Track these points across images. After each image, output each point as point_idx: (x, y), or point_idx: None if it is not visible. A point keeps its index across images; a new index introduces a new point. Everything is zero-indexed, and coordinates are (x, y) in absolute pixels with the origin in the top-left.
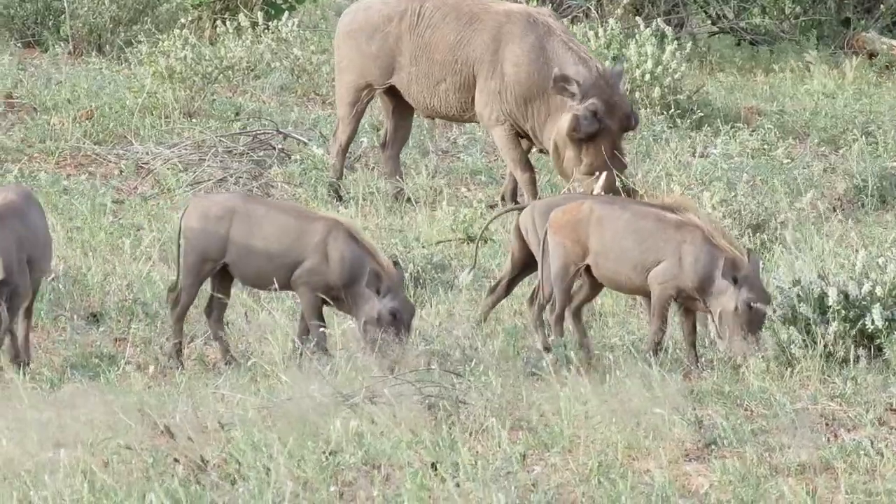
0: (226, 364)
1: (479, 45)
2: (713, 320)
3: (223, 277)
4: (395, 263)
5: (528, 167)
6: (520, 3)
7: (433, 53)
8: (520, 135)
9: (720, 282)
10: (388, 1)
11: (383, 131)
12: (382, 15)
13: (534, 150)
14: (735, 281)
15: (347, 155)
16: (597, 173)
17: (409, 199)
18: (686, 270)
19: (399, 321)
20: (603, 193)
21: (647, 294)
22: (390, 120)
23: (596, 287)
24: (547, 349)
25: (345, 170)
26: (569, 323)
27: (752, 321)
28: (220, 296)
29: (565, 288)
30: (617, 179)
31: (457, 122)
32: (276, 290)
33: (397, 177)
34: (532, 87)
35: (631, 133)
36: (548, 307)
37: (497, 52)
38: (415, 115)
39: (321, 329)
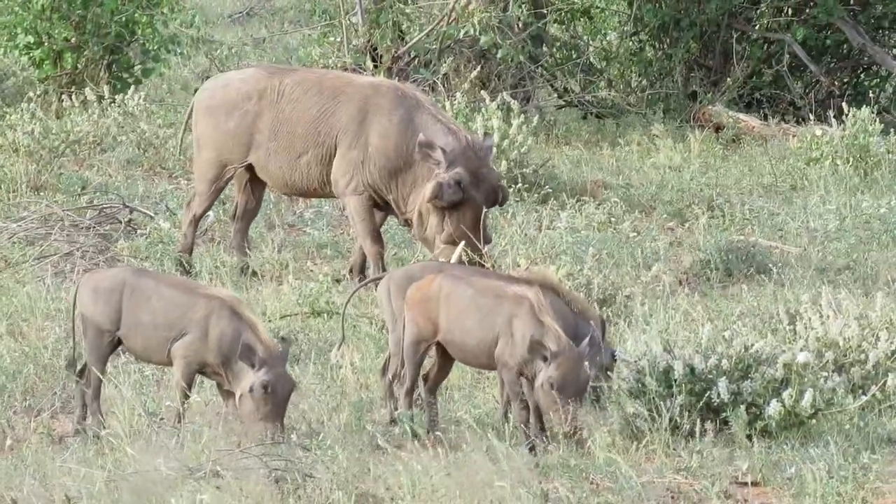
0: (74, 436)
1: (343, 116)
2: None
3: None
4: (283, 339)
5: (379, 240)
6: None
7: (295, 127)
8: (376, 206)
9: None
10: (246, 78)
11: (234, 204)
12: (241, 92)
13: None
14: (545, 359)
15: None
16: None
17: (255, 273)
18: (517, 345)
19: (272, 395)
20: (458, 261)
21: (495, 369)
22: (242, 194)
23: (447, 364)
24: (394, 422)
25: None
26: (422, 397)
27: (564, 395)
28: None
29: (416, 363)
30: (476, 252)
31: (316, 198)
32: (162, 364)
33: (244, 250)
34: (399, 159)
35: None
36: (397, 380)
37: (363, 123)
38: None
39: (174, 404)
